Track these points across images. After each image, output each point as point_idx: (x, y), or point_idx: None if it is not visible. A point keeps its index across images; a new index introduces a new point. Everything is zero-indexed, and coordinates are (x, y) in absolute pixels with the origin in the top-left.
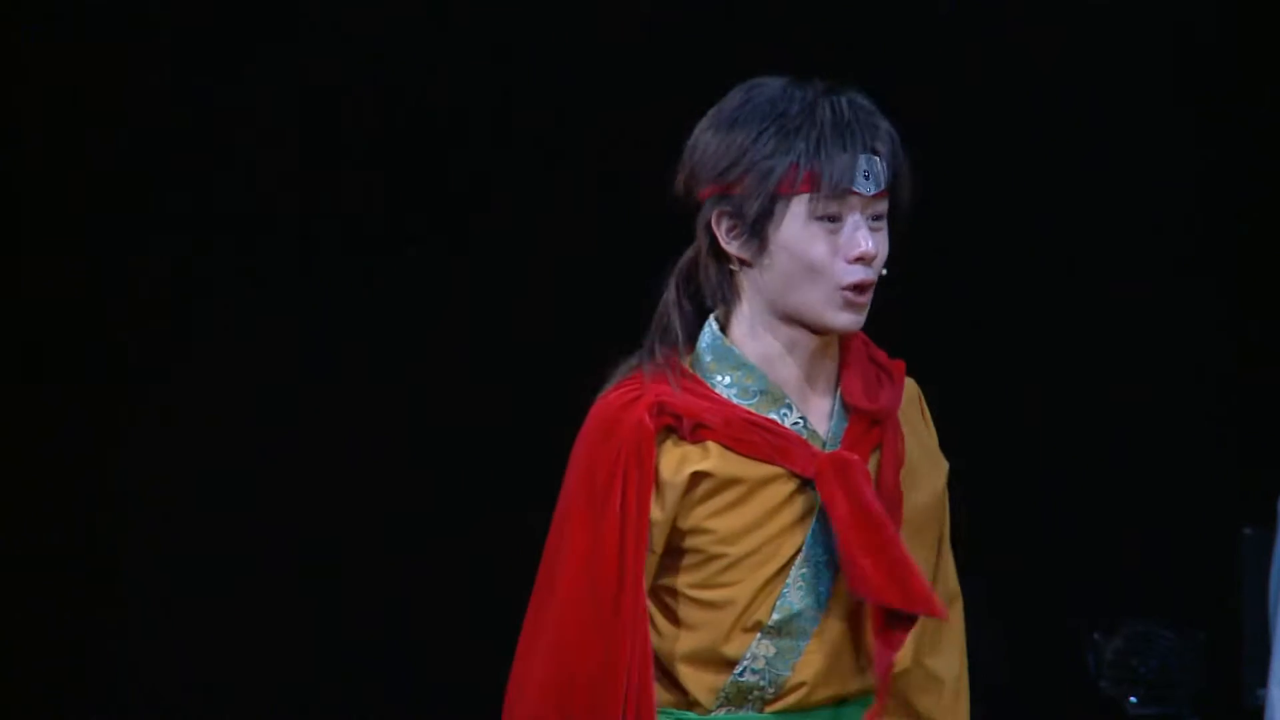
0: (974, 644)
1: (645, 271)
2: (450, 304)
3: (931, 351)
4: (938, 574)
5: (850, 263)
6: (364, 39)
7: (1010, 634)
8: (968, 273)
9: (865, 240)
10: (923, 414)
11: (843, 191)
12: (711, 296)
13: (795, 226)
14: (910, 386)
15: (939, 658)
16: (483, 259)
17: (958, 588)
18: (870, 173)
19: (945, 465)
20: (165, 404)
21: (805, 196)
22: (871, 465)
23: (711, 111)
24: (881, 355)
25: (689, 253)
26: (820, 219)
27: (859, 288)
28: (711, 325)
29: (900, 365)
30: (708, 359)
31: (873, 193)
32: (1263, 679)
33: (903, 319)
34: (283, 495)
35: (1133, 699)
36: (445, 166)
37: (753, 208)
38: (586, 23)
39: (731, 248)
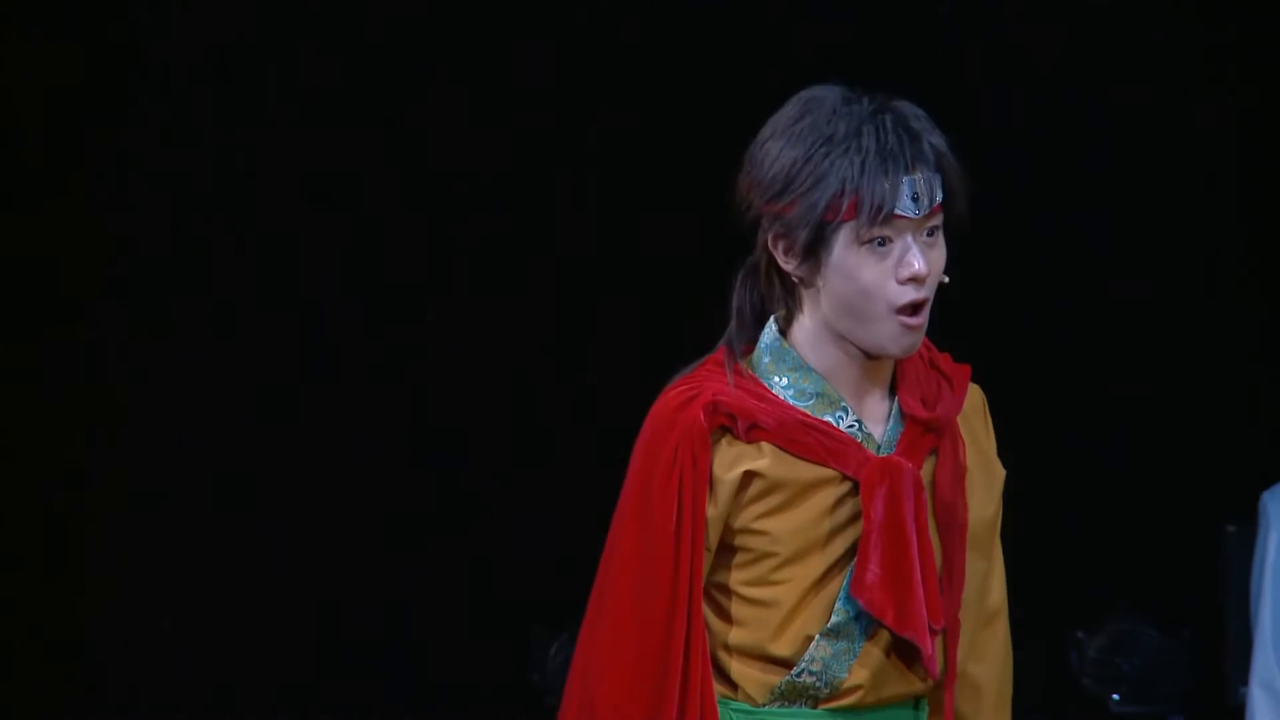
0: None
1: (645, 273)
2: (449, 304)
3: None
4: (988, 584)
5: (902, 283)
6: (366, 37)
7: None
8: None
9: (917, 261)
10: (986, 422)
11: (887, 217)
12: (774, 303)
13: (844, 251)
14: (975, 394)
15: (981, 665)
16: (481, 259)
17: (1004, 600)
18: (918, 194)
19: (1002, 473)
20: (162, 403)
21: (851, 223)
22: (926, 470)
23: (770, 121)
24: (944, 360)
25: (752, 258)
26: (869, 243)
27: (913, 308)
28: (771, 327)
29: (965, 371)
30: (766, 360)
31: (921, 214)
32: (1246, 677)
33: None
34: (282, 496)
35: (1116, 697)
36: (445, 165)
37: (802, 234)
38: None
39: (789, 267)
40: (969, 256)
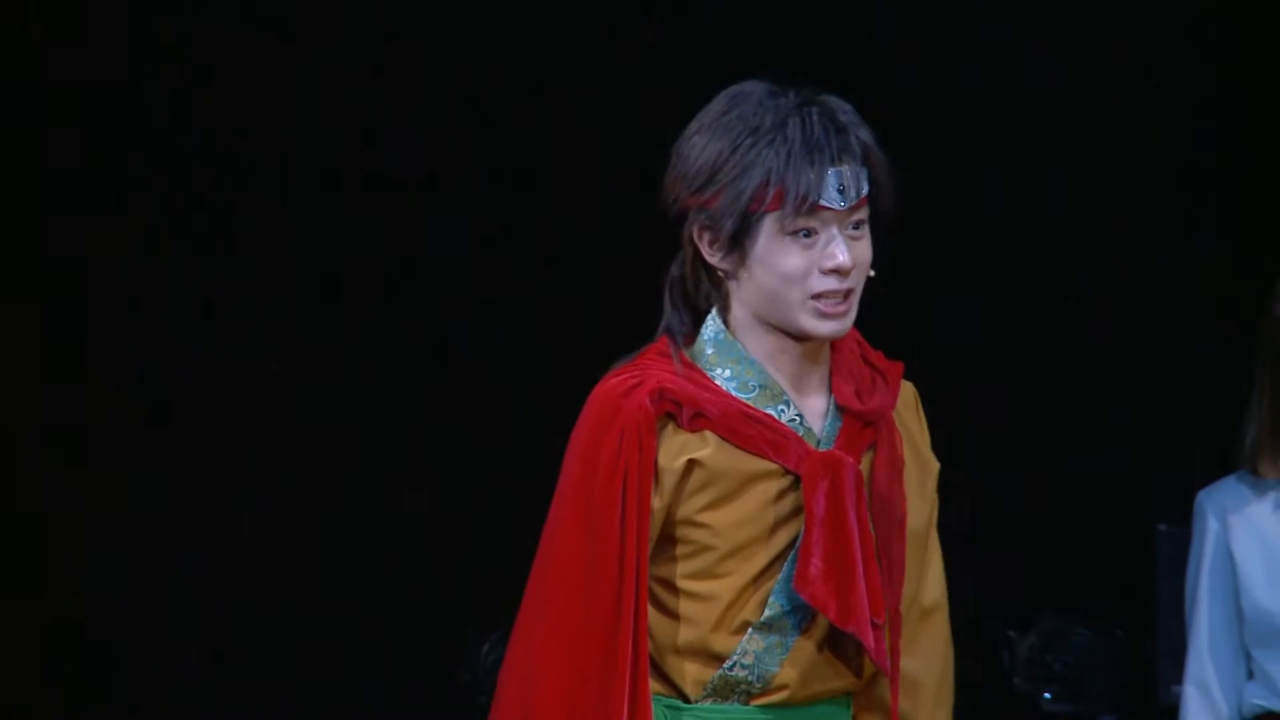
0: None
1: (644, 271)
2: (448, 305)
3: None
4: (925, 578)
5: (825, 274)
6: (360, 42)
7: None
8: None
9: (840, 253)
10: (919, 417)
11: (812, 207)
12: (704, 300)
13: (769, 241)
14: (907, 389)
15: (919, 660)
16: (479, 260)
17: (943, 594)
18: (844, 186)
19: (936, 468)
20: (160, 401)
21: (776, 213)
22: (864, 464)
23: (696, 117)
24: (877, 357)
25: (680, 256)
26: (793, 234)
27: (833, 296)
28: (715, 319)
29: (898, 367)
30: (709, 351)
31: (847, 205)
32: (1178, 676)
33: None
34: (282, 495)
35: (1047, 696)
36: (441, 166)
37: (727, 225)
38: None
39: (714, 260)
40: (903, 247)
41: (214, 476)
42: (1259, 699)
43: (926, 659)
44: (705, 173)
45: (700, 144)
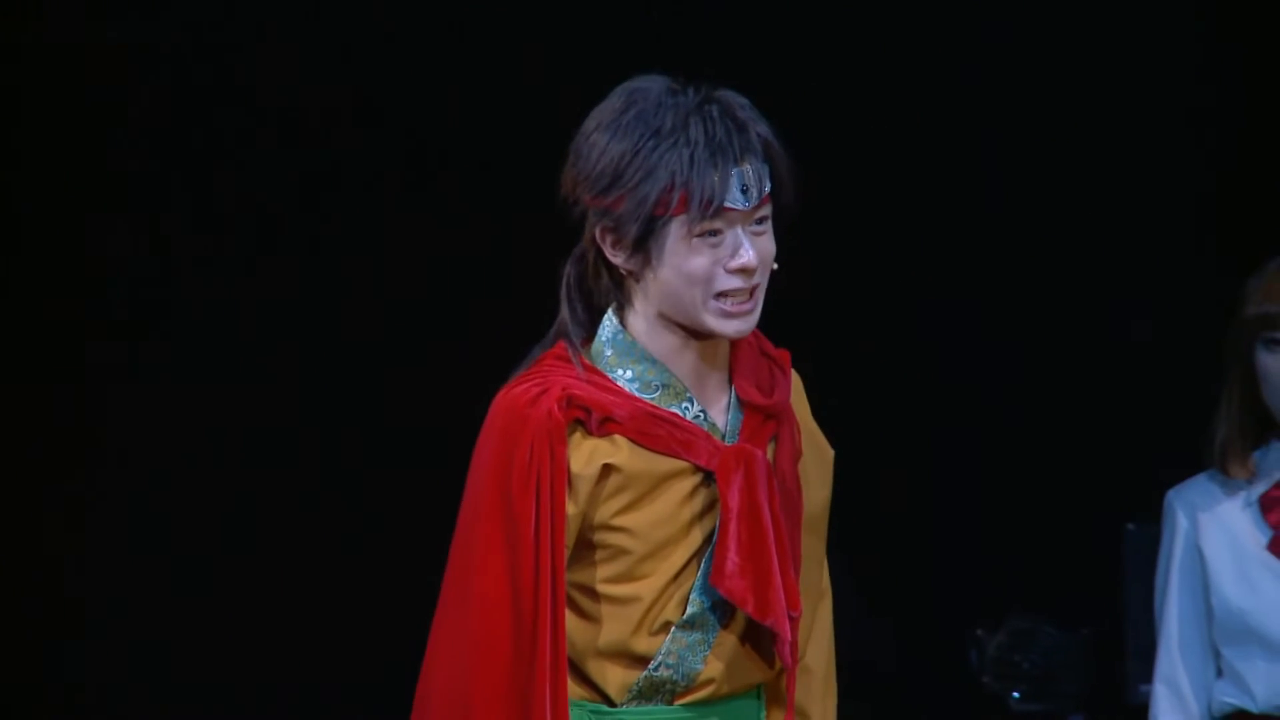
0: (860, 638)
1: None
2: (446, 305)
3: (821, 342)
4: (820, 567)
5: (731, 273)
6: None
7: (895, 629)
8: (839, 264)
9: (746, 252)
10: (806, 404)
11: (717, 210)
12: (604, 297)
13: (674, 244)
14: (794, 378)
15: (811, 647)
16: (473, 260)
17: (829, 583)
18: (747, 185)
19: (831, 454)
20: (155, 403)
21: (681, 217)
22: (768, 451)
23: (593, 113)
24: (769, 346)
25: (577, 250)
26: (699, 235)
27: (738, 295)
28: (612, 320)
29: (786, 355)
30: (609, 353)
31: (751, 205)
32: (1146, 675)
33: (781, 307)
34: (282, 495)
35: (1015, 695)
36: (438, 168)
37: (632, 229)
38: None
39: (617, 260)
40: (867, 246)
41: (215, 477)
42: (1229, 697)
43: (817, 645)
44: (607, 175)
45: (600, 144)
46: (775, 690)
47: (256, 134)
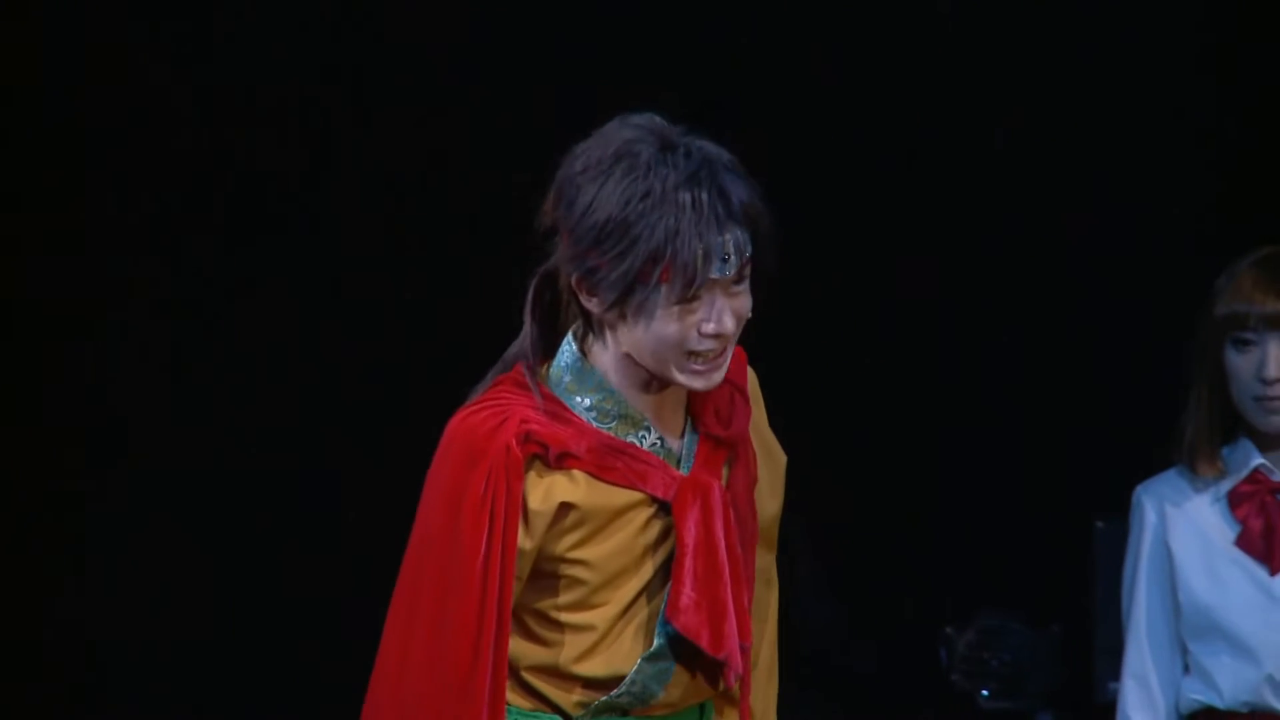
0: (830, 636)
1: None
2: (445, 306)
3: (789, 341)
4: (769, 571)
5: (704, 336)
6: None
7: (865, 627)
8: (806, 259)
9: (722, 320)
10: (760, 404)
11: (701, 284)
12: (570, 319)
13: (654, 309)
14: (750, 378)
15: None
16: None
17: (775, 572)
18: (729, 255)
19: (784, 460)
20: (159, 401)
21: (664, 286)
22: (722, 477)
23: (582, 152)
24: (730, 360)
25: (546, 269)
26: (679, 303)
27: (709, 355)
28: (571, 345)
29: (741, 357)
30: (567, 379)
31: (731, 274)
32: (1115, 673)
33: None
34: (281, 496)
35: (985, 692)
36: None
37: (612, 292)
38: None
39: (590, 307)
40: (838, 240)
41: (214, 477)
42: (1196, 693)
43: (762, 639)
44: (593, 234)
45: (587, 197)
46: (722, 698)
47: (256, 134)
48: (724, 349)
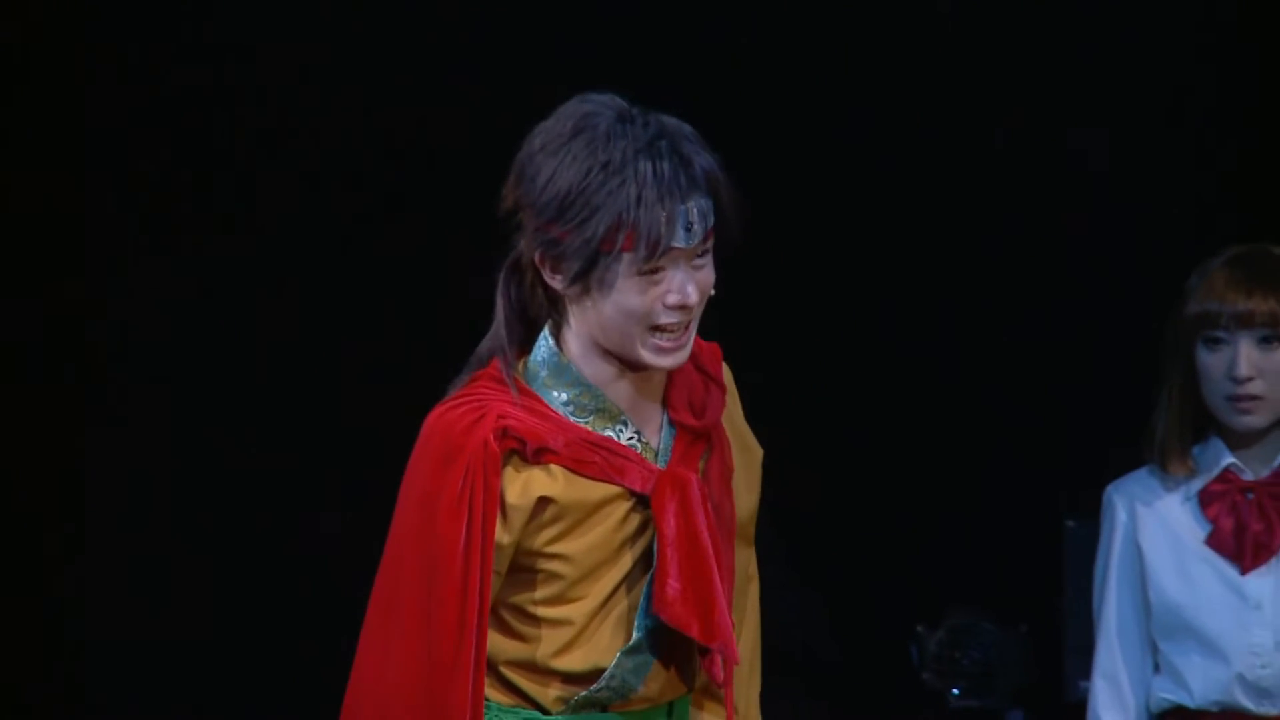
0: (801, 635)
1: None
2: (446, 306)
3: (756, 341)
4: (748, 564)
5: (669, 309)
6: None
7: (836, 626)
8: (787, 266)
9: (686, 290)
10: (736, 399)
11: (664, 251)
12: (539, 309)
13: (617, 279)
14: (725, 372)
15: (738, 636)
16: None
17: (755, 568)
18: (692, 223)
19: (760, 454)
20: (159, 402)
21: (627, 255)
22: (699, 470)
23: (541, 130)
24: (705, 359)
25: (513, 259)
26: (643, 273)
27: (674, 330)
28: (547, 340)
29: (716, 352)
30: (543, 374)
31: (694, 243)
32: (1085, 672)
33: (724, 307)
34: (281, 496)
35: (955, 691)
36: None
37: (574, 264)
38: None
39: (555, 284)
40: (792, 244)
41: (214, 477)
42: (1166, 693)
43: (745, 635)
44: (554, 206)
45: (547, 171)
46: (703, 694)
47: (257, 134)
48: (688, 324)
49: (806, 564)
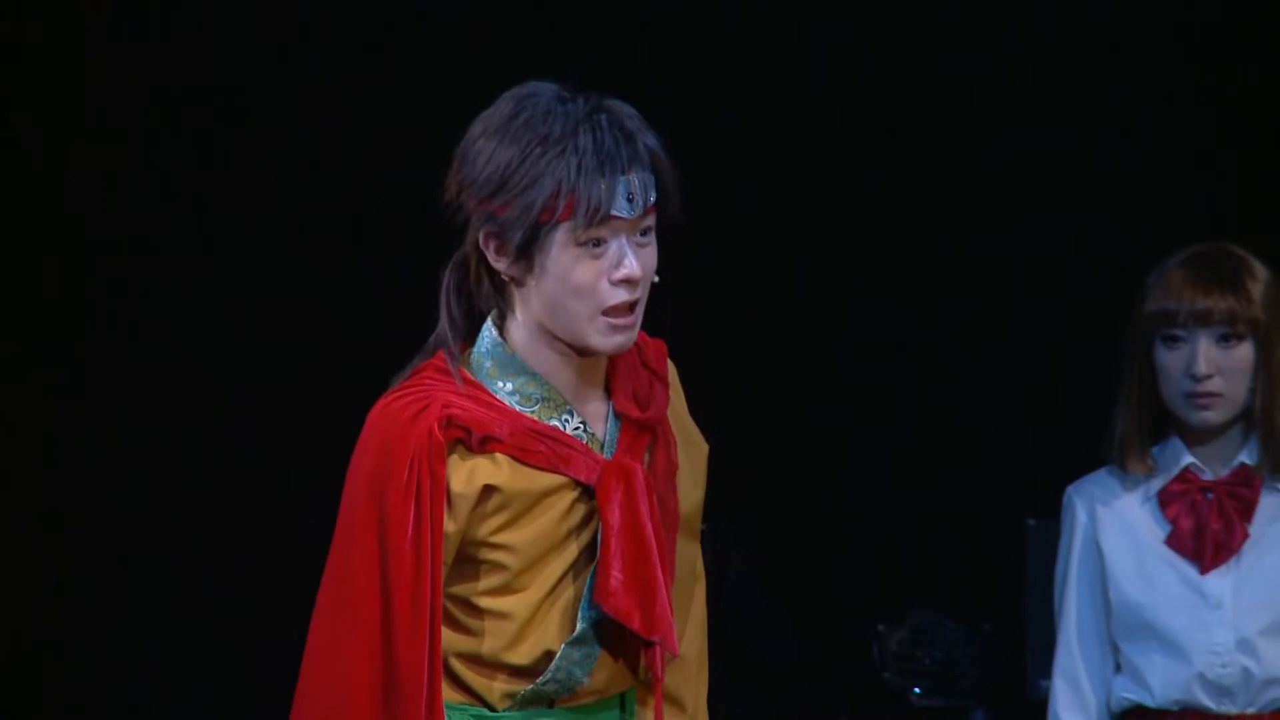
0: (762, 633)
1: None
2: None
3: (719, 338)
4: (696, 557)
5: (615, 284)
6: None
7: (797, 624)
8: (748, 263)
9: (630, 262)
10: (681, 395)
11: (604, 218)
12: (485, 302)
13: (559, 252)
14: (670, 368)
15: (684, 638)
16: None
17: (702, 568)
18: (633, 194)
19: (705, 449)
20: (160, 402)
21: (567, 224)
22: (645, 462)
23: (481, 118)
24: (649, 353)
25: (459, 255)
26: (584, 244)
27: (620, 310)
28: (491, 331)
29: (662, 347)
30: (488, 364)
31: (636, 214)
32: (1046, 670)
33: (679, 312)
34: (281, 496)
35: (916, 690)
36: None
37: (516, 235)
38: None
39: (500, 266)
40: (775, 236)
41: (216, 478)
42: (1127, 692)
43: (691, 634)
44: (494, 181)
45: (488, 150)
46: (644, 688)
47: (256, 134)
48: (635, 303)
49: (768, 562)
